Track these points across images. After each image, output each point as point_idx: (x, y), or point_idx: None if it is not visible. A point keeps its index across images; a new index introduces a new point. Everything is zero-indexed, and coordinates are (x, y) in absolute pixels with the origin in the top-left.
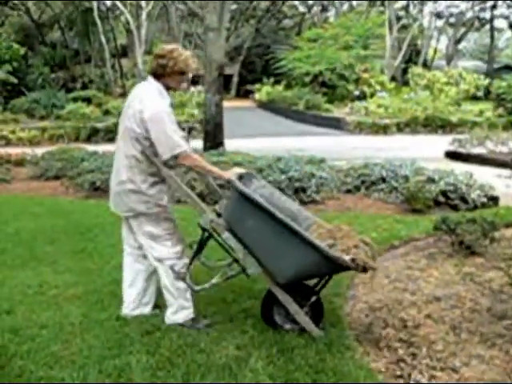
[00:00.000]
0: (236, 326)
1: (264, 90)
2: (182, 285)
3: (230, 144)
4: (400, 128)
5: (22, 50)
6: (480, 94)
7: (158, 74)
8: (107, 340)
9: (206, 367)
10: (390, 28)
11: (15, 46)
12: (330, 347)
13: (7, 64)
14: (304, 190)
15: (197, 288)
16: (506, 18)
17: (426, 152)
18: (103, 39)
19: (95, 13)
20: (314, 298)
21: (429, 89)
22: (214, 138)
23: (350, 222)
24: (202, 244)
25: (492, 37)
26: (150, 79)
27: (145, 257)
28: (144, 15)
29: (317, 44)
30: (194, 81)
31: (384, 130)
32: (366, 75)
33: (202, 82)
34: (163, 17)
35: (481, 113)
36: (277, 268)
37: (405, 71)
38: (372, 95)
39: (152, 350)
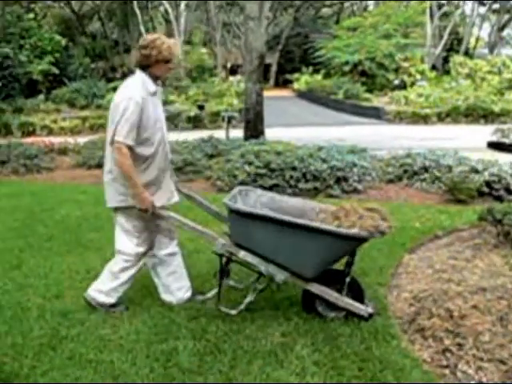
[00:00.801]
0: (281, 314)
1: (303, 80)
2: (123, 278)
3: (270, 133)
4: (441, 118)
5: (64, 41)
6: None
7: (144, 65)
8: (154, 325)
9: (252, 353)
10: (431, 16)
11: (57, 37)
12: (376, 336)
13: (49, 55)
14: (346, 179)
15: (233, 312)
16: None
17: (468, 142)
18: (142, 29)
19: (134, 3)
20: (348, 279)
21: (470, 78)
22: (254, 128)
23: (392, 211)
24: (223, 270)
25: None
26: (137, 71)
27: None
28: (183, 5)
29: (356, 33)
30: (233, 70)
31: (424, 119)
32: (406, 64)
33: (241, 71)
34: (202, 6)
35: None
36: (300, 266)
37: (446, 60)
38: (412, 84)
39: (198, 335)
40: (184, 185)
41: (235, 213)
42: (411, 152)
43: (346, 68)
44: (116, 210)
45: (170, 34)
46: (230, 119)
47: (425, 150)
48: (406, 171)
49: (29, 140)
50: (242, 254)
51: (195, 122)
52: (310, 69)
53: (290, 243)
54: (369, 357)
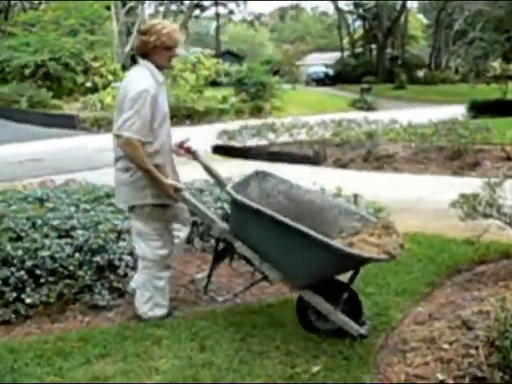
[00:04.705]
0: None
1: None
2: (161, 284)
3: None
4: None
5: None
6: (221, 79)
7: (144, 53)
8: None
9: None
10: (116, 12)
11: None
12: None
13: None
14: (113, 267)
15: (220, 299)
16: None
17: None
18: None
19: None
20: (345, 294)
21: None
22: None
23: None
24: (218, 254)
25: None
26: (140, 61)
27: None
28: None
29: (36, 29)
30: None
31: None
32: (96, 64)
33: None
34: None
35: (225, 99)
36: (292, 272)
37: (133, 59)
38: (105, 87)
39: None
40: None
41: (232, 199)
42: None
43: (27, 71)
44: (131, 210)
45: None
46: None
47: None
48: None
49: None
50: (237, 245)
51: None
52: None
53: (284, 248)
54: None
